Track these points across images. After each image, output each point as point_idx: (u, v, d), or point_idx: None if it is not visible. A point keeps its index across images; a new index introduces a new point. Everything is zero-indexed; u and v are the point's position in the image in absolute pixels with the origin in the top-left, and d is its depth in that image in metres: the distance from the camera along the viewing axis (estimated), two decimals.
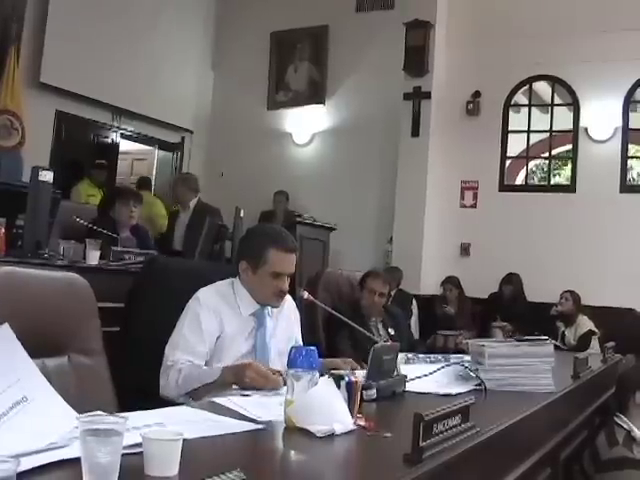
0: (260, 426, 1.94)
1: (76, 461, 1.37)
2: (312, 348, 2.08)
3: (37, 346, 2.32)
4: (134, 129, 10.45)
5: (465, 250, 9.64)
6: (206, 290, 3.02)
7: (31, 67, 8.81)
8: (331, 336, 4.61)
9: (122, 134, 10.35)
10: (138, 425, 1.56)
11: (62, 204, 5.01)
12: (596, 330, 7.95)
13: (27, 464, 1.36)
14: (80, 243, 4.75)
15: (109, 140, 10.26)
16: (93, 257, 4.62)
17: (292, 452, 1.80)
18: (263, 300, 3.05)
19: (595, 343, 7.68)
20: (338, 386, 2.03)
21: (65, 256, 4.56)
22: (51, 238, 4.69)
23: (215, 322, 2.95)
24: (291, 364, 2.02)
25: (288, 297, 3.18)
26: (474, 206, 9.70)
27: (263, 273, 3.00)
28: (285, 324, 3.18)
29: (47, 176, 4.31)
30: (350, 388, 2.06)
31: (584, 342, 7.74)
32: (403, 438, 1.70)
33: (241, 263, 3.07)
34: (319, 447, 1.81)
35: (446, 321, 8.62)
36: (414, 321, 8.68)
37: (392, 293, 7.86)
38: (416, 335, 8.34)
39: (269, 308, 3.09)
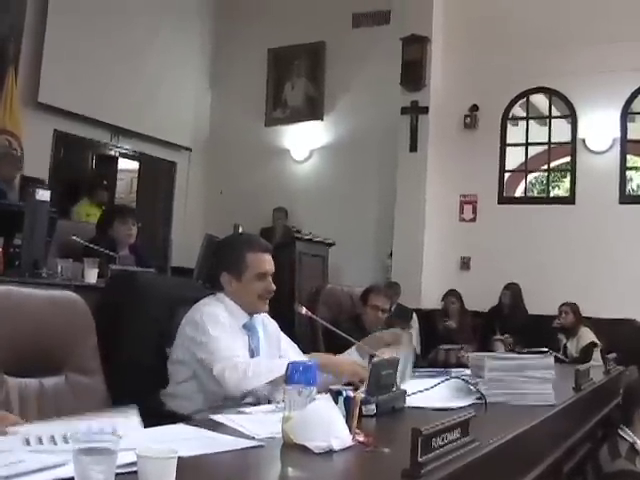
0: (257, 443, 1.92)
1: None
2: (310, 364, 2.07)
3: (34, 365, 2.33)
4: (133, 148, 10.45)
5: (465, 264, 9.63)
6: (203, 306, 3.01)
7: (29, 87, 8.82)
8: (333, 349, 4.61)
9: (120, 153, 10.35)
10: (133, 443, 1.54)
11: (59, 223, 5.02)
12: (598, 342, 7.92)
13: None
14: (78, 262, 4.75)
15: (108, 159, 10.26)
16: (91, 276, 4.62)
17: (290, 469, 1.78)
18: (252, 307, 3.05)
19: (597, 355, 7.63)
20: (336, 402, 2.01)
21: (63, 275, 4.56)
22: (49, 257, 4.69)
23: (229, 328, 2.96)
24: (289, 380, 2.01)
25: (264, 315, 3.18)
26: (473, 220, 9.69)
27: (247, 278, 3.02)
28: (265, 337, 3.15)
29: (44, 195, 4.31)
30: (348, 404, 2.04)
31: (586, 354, 7.71)
32: (402, 453, 1.68)
33: (222, 276, 3.06)
34: (317, 464, 1.79)
35: (447, 335, 8.61)
36: (415, 335, 8.66)
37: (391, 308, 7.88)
38: (417, 350, 8.32)
39: (256, 318, 3.09)
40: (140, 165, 10.68)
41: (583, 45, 8.97)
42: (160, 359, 3.00)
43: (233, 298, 3.04)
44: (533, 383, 2.92)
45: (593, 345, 7.90)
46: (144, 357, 3.01)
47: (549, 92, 9.54)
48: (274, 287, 3.06)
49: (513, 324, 8.56)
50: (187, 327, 2.95)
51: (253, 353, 3.03)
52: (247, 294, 3.03)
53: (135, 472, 1.42)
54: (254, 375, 2.71)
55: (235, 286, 3.04)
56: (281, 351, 3.16)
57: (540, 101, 9.87)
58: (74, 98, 9.10)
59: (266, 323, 3.19)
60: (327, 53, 10.80)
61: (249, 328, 3.06)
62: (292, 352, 3.19)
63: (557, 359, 3.12)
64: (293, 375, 2.00)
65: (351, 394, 2.07)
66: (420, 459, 1.63)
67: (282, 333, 3.26)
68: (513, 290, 8.88)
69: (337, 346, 4.56)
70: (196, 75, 11.37)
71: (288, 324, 3.30)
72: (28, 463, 1.47)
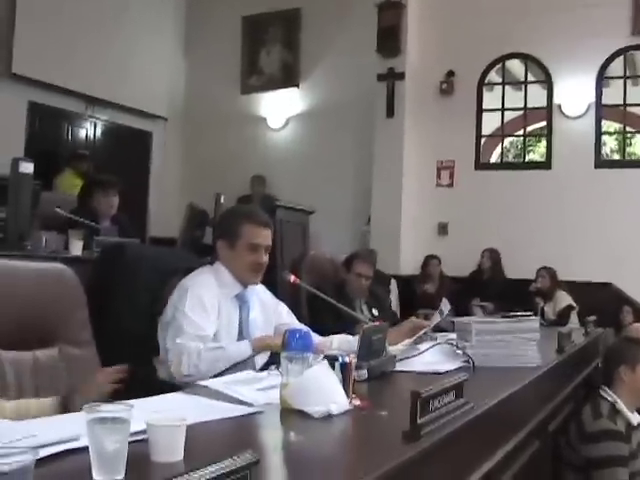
0: (257, 409, 1.96)
1: (85, 450, 1.38)
2: (306, 330, 2.10)
3: (27, 338, 2.34)
4: (108, 118, 10.37)
5: (443, 229, 9.68)
6: (196, 275, 3.04)
7: (2, 58, 8.71)
8: (315, 316, 4.64)
9: (96, 123, 10.26)
10: (140, 412, 1.57)
11: (43, 195, 5.00)
12: (574, 305, 8.03)
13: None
14: (62, 234, 4.73)
15: (83, 129, 10.18)
16: (76, 247, 4.61)
17: (292, 433, 1.81)
18: (243, 276, 3.08)
19: (574, 317, 7.76)
20: (333, 367, 2.05)
21: (48, 247, 4.55)
22: (33, 230, 4.67)
23: (216, 301, 2.98)
24: (286, 347, 2.04)
25: (261, 286, 3.21)
26: (450, 185, 9.73)
27: (240, 247, 3.06)
28: (261, 309, 3.18)
29: (28, 168, 4.29)
30: (344, 369, 2.07)
31: (563, 317, 7.82)
32: (399, 416, 1.73)
33: (218, 243, 3.12)
34: (318, 428, 1.82)
35: (426, 300, 8.67)
36: (394, 301, 8.71)
37: None
38: (398, 315, 8.39)
39: (251, 289, 3.12)
40: (116, 135, 10.58)
41: (559, 11, 8.98)
42: (153, 328, 3.02)
43: (227, 267, 3.08)
44: (519, 345, 2.98)
45: (570, 308, 8.02)
46: (137, 326, 3.04)
47: (525, 57, 9.56)
48: (266, 260, 3.10)
49: (492, 289, 8.64)
50: (175, 294, 2.99)
51: (241, 324, 3.06)
52: (238, 263, 3.06)
53: (145, 440, 1.45)
54: (208, 368, 2.71)
55: (228, 254, 3.08)
56: (282, 320, 3.19)
57: (516, 66, 9.88)
58: (48, 68, 8.99)
59: (261, 294, 3.22)
60: (302, 20, 10.72)
61: (241, 299, 3.09)
62: (294, 321, 3.23)
63: None
64: (291, 342, 2.03)
65: (347, 359, 2.10)
66: (419, 421, 1.68)
67: (282, 303, 3.29)
68: (493, 255, 8.96)
69: (320, 313, 4.63)
70: (170, 44, 11.26)
71: (271, 293, 3.33)
72: (40, 437, 1.49)
